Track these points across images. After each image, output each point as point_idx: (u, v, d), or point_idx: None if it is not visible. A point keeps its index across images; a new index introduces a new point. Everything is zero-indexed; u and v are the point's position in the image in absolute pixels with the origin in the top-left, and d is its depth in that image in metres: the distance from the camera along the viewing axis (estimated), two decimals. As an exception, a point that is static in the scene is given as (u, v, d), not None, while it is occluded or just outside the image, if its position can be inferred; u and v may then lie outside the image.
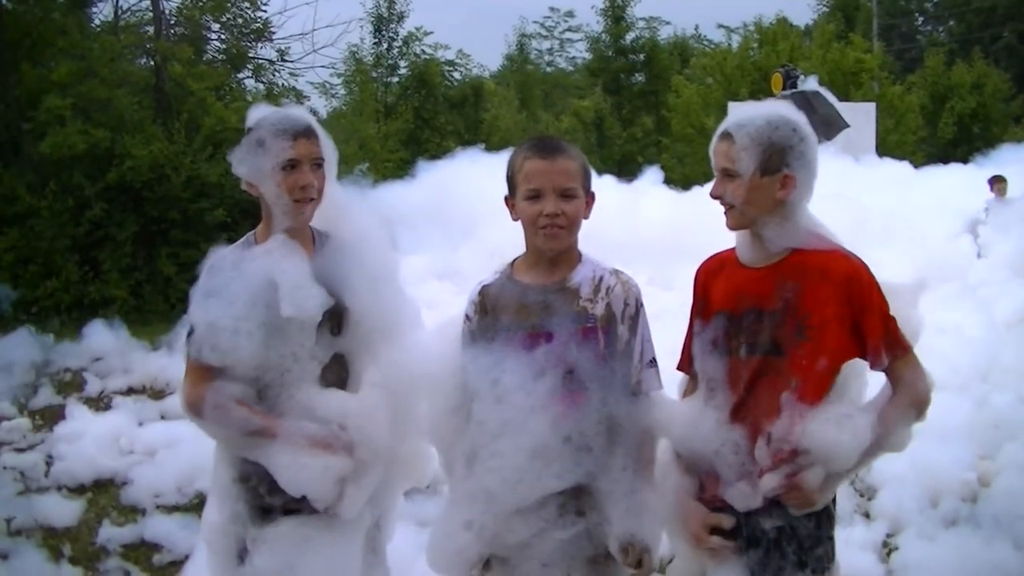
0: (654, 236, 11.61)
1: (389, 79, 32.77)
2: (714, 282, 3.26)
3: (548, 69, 54.52)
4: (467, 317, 3.32)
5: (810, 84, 20.24)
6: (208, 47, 22.42)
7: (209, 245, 3.56)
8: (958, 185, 17.21)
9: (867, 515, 6.31)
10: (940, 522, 6.08)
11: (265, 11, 22.50)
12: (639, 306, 3.23)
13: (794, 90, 19.10)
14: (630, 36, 40.80)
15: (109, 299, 16.45)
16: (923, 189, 16.58)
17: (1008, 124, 38.29)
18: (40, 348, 11.25)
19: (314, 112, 28.38)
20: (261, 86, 23.13)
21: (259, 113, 3.44)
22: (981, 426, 7.06)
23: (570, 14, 53.60)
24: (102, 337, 11.58)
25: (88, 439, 8.10)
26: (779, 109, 3.16)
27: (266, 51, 23.16)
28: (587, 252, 3.30)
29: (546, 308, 3.17)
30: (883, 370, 3.08)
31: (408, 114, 29.41)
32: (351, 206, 3.61)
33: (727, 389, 3.13)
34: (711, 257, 3.36)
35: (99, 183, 16.87)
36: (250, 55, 22.92)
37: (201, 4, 21.63)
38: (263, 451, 3.26)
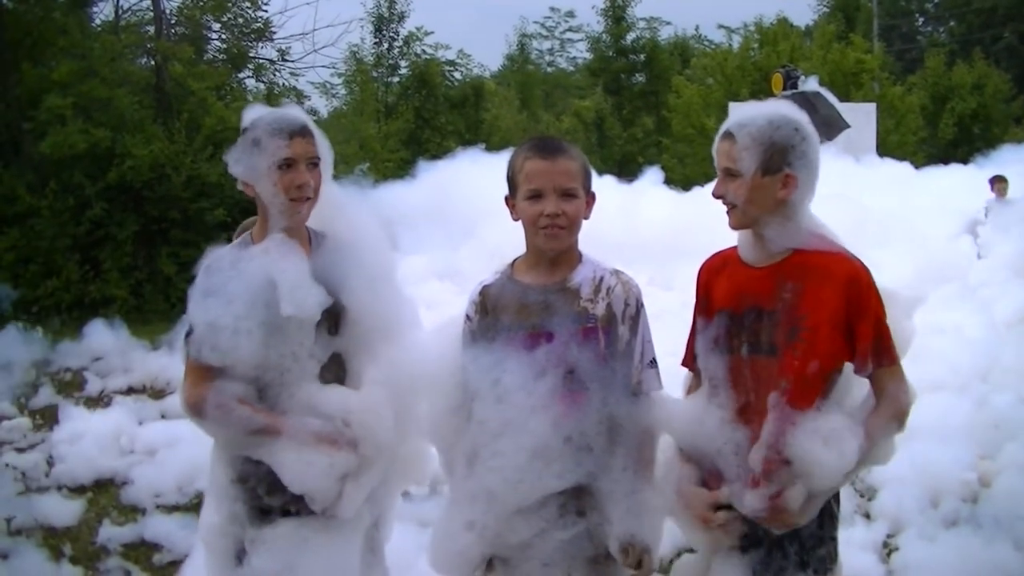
0: (654, 236, 11.62)
1: (390, 79, 32.78)
2: (716, 280, 3.26)
3: (549, 69, 54.52)
4: (468, 317, 3.32)
5: (811, 84, 20.23)
6: (209, 47, 22.46)
7: (209, 245, 3.56)
8: (959, 186, 17.21)
9: (867, 515, 6.30)
10: (940, 522, 6.08)
11: (266, 11, 22.56)
12: (639, 306, 3.23)
13: (795, 90, 19.09)
14: (631, 36, 40.78)
15: (109, 298, 16.47)
16: (924, 189, 16.60)
17: (1009, 125, 38.29)
18: (30, 345, 11.25)
19: (315, 112, 28.58)
20: (262, 86, 23.18)
21: (254, 113, 3.43)
22: (981, 426, 7.06)
23: (571, 14, 53.67)
24: (102, 336, 11.59)
25: (88, 439, 8.10)
26: (781, 108, 3.16)
27: (267, 51, 23.24)
28: (587, 252, 3.30)
29: (547, 308, 3.17)
30: (867, 376, 3.07)
31: (409, 114, 29.41)
32: (347, 205, 3.60)
33: (730, 388, 3.13)
34: (714, 255, 3.36)
35: (99, 183, 16.89)
36: (251, 55, 22.96)
37: (202, 4, 21.65)
38: (266, 449, 3.25)
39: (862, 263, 3.09)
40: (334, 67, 27.67)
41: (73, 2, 19.50)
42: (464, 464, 3.19)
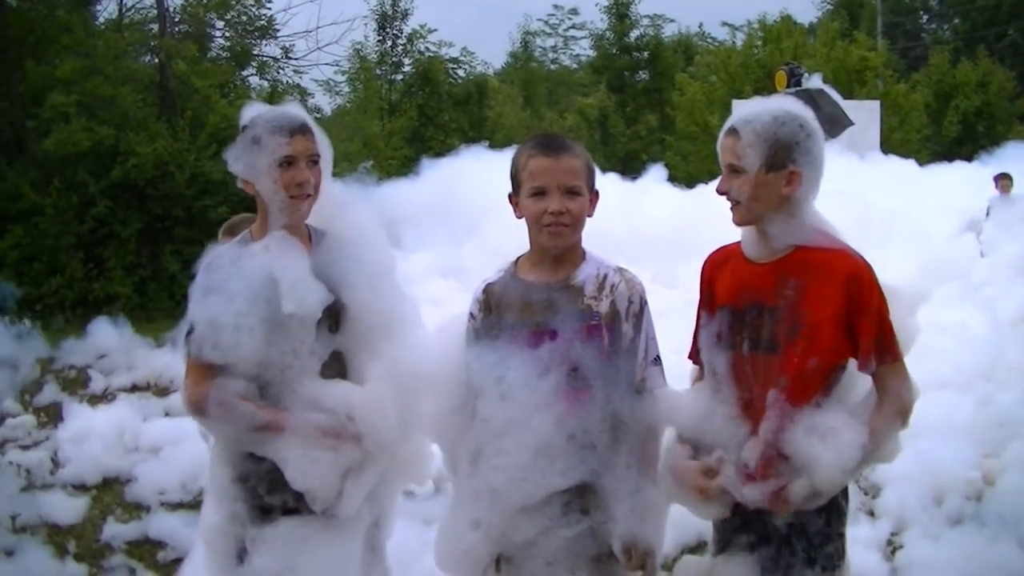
0: (658, 234, 11.60)
1: (393, 77, 32.78)
2: (720, 275, 3.27)
3: (552, 67, 54.39)
4: (471, 315, 3.32)
5: (814, 82, 20.23)
6: (212, 44, 22.50)
7: (213, 242, 3.56)
8: (963, 183, 17.19)
9: (871, 513, 6.30)
10: (944, 520, 6.07)
11: (269, 8, 22.61)
12: (643, 304, 3.23)
13: (798, 88, 19.07)
14: (634, 34, 40.74)
15: (113, 296, 16.51)
16: (928, 187, 16.58)
17: (1013, 122, 38.20)
18: (21, 339, 11.27)
19: (318, 109, 28.58)
20: (265, 83, 23.18)
21: (254, 111, 3.43)
22: (985, 425, 7.05)
23: (574, 11, 53.48)
24: (106, 334, 11.61)
25: (92, 437, 8.11)
26: (785, 105, 3.15)
27: (270, 48, 23.28)
28: (591, 250, 3.30)
29: (550, 306, 3.17)
30: (870, 374, 3.07)
31: (412, 111, 29.42)
32: (347, 203, 3.59)
33: (732, 384, 3.13)
34: (718, 249, 3.36)
35: (103, 180, 16.92)
36: (254, 52, 22.97)
37: (205, 2, 21.67)
38: (270, 445, 3.25)
39: (864, 260, 3.09)
40: (338, 65, 27.78)
41: (77, 0, 19.52)
42: (468, 462, 3.18)
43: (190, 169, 17.33)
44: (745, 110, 3.17)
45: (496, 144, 18.55)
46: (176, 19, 21.40)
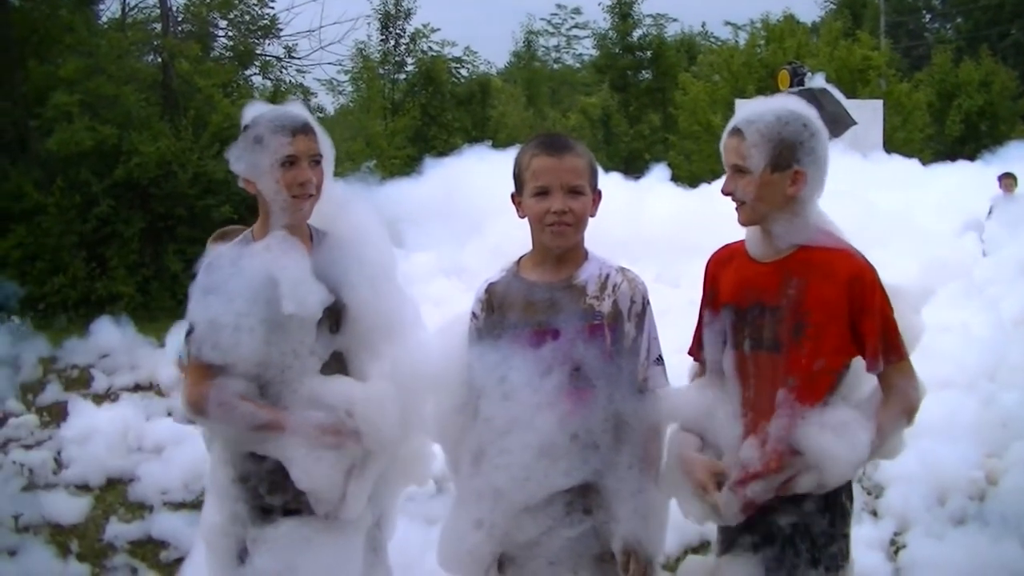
0: (661, 233, 11.61)
1: (396, 76, 32.78)
2: (723, 273, 3.27)
3: (555, 66, 54.40)
4: (473, 315, 3.31)
5: (817, 81, 20.24)
6: (215, 44, 22.50)
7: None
8: (966, 182, 17.19)
9: (874, 513, 6.30)
10: (948, 520, 6.07)
11: (272, 8, 22.58)
12: (645, 304, 3.23)
13: (801, 87, 19.07)
14: (637, 33, 40.80)
15: (116, 296, 16.51)
16: (932, 187, 16.57)
17: (1015, 122, 38.21)
18: (13, 338, 11.30)
19: (321, 109, 28.58)
20: (268, 83, 23.18)
21: (256, 110, 3.42)
22: (988, 424, 7.05)
23: (577, 11, 53.47)
24: (109, 334, 11.62)
25: (95, 437, 8.12)
26: (789, 104, 3.14)
27: (273, 48, 23.26)
28: (593, 250, 3.30)
29: (552, 305, 3.17)
30: (876, 374, 3.07)
31: (415, 111, 29.42)
32: (349, 203, 3.58)
33: (737, 382, 3.14)
34: (722, 248, 3.36)
35: (106, 180, 16.92)
36: (257, 52, 22.96)
37: (208, 1, 21.66)
38: (273, 444, 3.25)
39: (867, 260, 3.08)
40: (341, 64, 27.66)
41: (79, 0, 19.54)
42: (470, 462, 3.18)
43: (193, 168, 17.33)
44: (748, 110, 3.16)
45: (499, 144, 18.57)
46: (179, 18, 21.41)
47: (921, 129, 32.28)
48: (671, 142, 34.49)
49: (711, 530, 3.51)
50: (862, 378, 3.10)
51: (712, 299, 3.28)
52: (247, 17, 22.53)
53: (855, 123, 19.28)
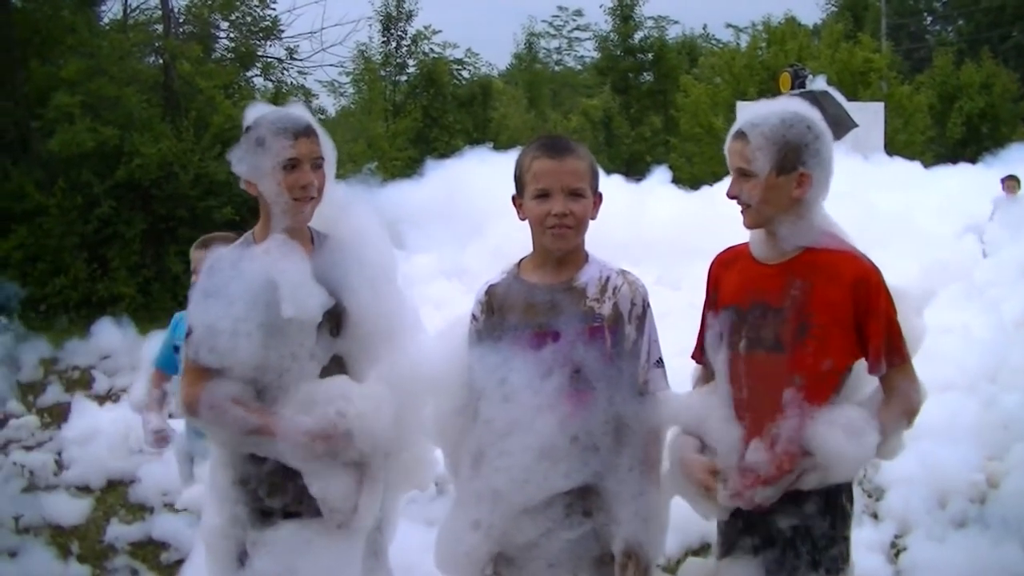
0: (662, 236, 11.59)
1: (398, 78, 32.81)
2: (726, 275, 3.27)
3: (556, 68, 54.46)
4: (474, 317, 3.31)
5: (818, 84, 20.23)
6: (217, 45, 22.49)
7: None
8: (967, 185, 17.19)
9: (875, 516, 6.29)
10: (948, 523, 6.06)
11: (274, 9, 22.58)
12: (646, 306, 3.23)
13: (803, 89, 19.06)
14: (638, 35, 40.82)
15: (117, 297, 16.52)
16: (933, 189, 16.57)
17: (1017, 124, 38.22)
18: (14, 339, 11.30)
19: (322, 111, 28.58)
20: (270, 84, 23.19)
21: (258, 112, 3.40)
22: (989, 427, 7.04)
23: (578, 13, 53.54)
24: (110, 335, 11.64)
25: (96, 437, 8.12)
26: (793, 106, 3.14)
27: (275, 49, 23.26)
28: (594, 252, 3.30)
29: (553, 307, 3.17)
30: (879, 376, 3.07)
31: (417, 113, 29.43)
32: (351, 206, 3.57)
33: (727, 383, 3.14)
34: (726, 250, 3.36)
35: (108, 181, 16.94)
36: (259, 53, 22.97)
37: (210, 2, 21.69)
38: (270, 447, 3.25)
39: (872, 263, 3.08)
40: (342, 66, 27.69)
41: (81, 0, 19.54)
42: (470, 464, 3.18)
43: (194, 170, 17.34)
44: (752, 113, 3.16)
45: (500, 145, 18.56)
46: (181, 20, 21.42)
47: (922, 131, 32.29)
48: (672, 144, 34.51)
49: (711, 532, 3.50)
50: (862, 380, 3.11)
51: (714, 301, 3.28)
52: (249, 18, 22.54)
53: (856, 125, 19.28)
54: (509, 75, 47.64)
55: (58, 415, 9.28)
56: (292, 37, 23.29)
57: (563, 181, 3.12)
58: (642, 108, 39.88)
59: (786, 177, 3.05)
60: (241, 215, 16.35)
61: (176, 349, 5.03)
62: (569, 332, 3.12)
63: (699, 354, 3.36)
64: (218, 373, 3.21)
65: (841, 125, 18.24)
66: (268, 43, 23.07)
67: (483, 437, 3.14)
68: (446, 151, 22.57)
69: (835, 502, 3.07)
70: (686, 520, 3.49)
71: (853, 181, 12.19)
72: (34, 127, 17.41)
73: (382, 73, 32.00)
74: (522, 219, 3.26)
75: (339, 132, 21.31)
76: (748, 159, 3.07)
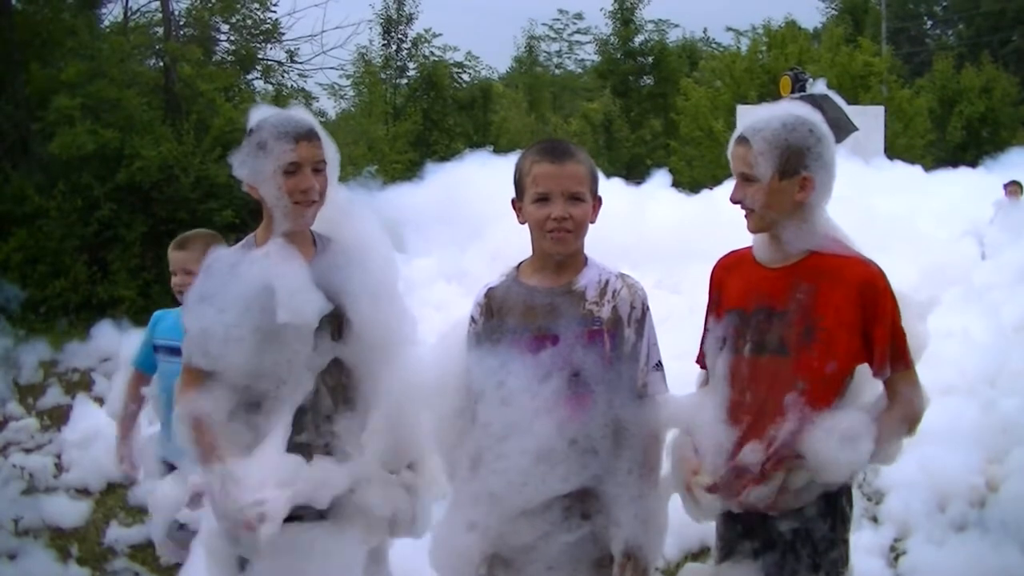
0: (662, 239, 11.59)
1: (398, 81, 32.83)
2: (729, 279, 3.27)
3: (557, 71, 54.41)
4: (472, 319, 3.31)
5: (819, 87, 20.19)
6: (217, 48, 22.54)
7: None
8: (968, 189, 17.19)
9: (875, 519, 6.29)
10: (948, 527, 6.06)
11: (274, 12, 22.64)
12: (645, 310, 3.23)
13: (803, 93, 19.06)
14: (639, 39, 40.80)
15: (117, 299, 16.50)
16: (933, 193, 16.57)
17: (1017, 128, 38.20)
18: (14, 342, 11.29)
19: (323, 113, 28.57)
20: (270, 87, 23.22)
21: (260, 115, 3.38)
22: (989, 430, 7.02)
23: (579, 16, 53.48)
24: (110, 337, 11.61)
25: (96, 440, 8.11)
26: (794, 110, 3.14)
27: (275, 52, 23.31)
28: (593, 256, 3.30)
29: (552, 311, 3.17)
30: (883, 380, 3.07)
31: (417, 116, 29.44)
32: (352, 209, 3.56)
33: (727, 386, 3.13)
34: (728, 254, 3.36)
35: (108, 183, 16.93)
36: (259, 56, 23.00)
37: (210, 5, 21.70)
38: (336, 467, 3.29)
39: (877, 267, 3.09)
40: (342, 69, 27.74)
41: (82, 3, 19.57)
42: (467, 467, 3.18)
43: (195, 172, 17.34)
44: (754, 118, 3.16)
45: (500, 149, 18.59)
46: (181, 22, 21.44)
47: (922, 135, 32.27)
48: (672, 148, 34.47)
49: (710, 536, 3.50)
50: (865, 385, 3.11)
51: (717, 305, 3.28)
52: (249, 21, 22.60)
53: (856, 129, 19.25)
54: (509, 78, 47.64)
55: (58, 417, 9.27)
56: (293, 40, 23.40)
57: (563, 185, 3.12)
58: (642, 111, 39.88)
59: (789, 181, 3.05)
60: (242, 218, 16.35)
61: (155, 348, 4.98)
62: (568, 335, 3.12)
63: (703, 358, 3.36)
64: (211, 376, 3.21)
65: (841, 129, 18.22)
66: (269, 46, 23.15)
67: (481, 440, 3.14)
68: (446, 154, 22.58)
69: (835, 505, 3.07)
70: (685, 524, 3.49)
71: (853, 185, 12.17)
72: (34, 130, 17.41)
73: (382, 76, 32.03)
74: (522, 223, 3.26)
75: (339, 135, 21.10)
76: (751, 164, 3.07)
